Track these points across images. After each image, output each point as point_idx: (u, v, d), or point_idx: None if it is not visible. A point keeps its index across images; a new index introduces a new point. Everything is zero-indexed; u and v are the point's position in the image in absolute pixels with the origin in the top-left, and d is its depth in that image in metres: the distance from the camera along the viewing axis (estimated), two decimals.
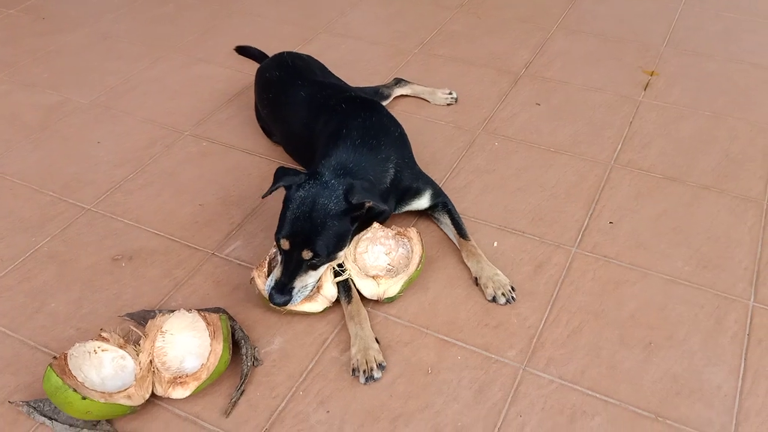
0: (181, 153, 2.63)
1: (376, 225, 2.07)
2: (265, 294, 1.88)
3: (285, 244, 1.83)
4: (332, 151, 1.96)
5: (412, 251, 2.03)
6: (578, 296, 2.02)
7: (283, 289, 1.84)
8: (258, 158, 2.60)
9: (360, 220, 1.92)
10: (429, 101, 2.89)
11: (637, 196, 2.39)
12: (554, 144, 2.65)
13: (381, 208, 1.90)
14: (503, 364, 1.84)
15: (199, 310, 1.83)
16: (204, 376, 1.71)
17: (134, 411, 1.70)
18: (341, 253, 1.93)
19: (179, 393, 1.71)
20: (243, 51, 3.19)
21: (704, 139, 2.66)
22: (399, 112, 2.81)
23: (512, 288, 2.01)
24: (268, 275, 1.95)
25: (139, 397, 1.68)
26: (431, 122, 2.78)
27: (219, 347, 1.73)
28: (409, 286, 2.01)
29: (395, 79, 2.93)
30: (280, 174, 1.90)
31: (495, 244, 2.20)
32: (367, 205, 1.85)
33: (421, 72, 3.09)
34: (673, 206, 2.35)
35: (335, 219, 1.83)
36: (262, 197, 1.91)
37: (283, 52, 2.67)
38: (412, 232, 2.06)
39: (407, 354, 1.87)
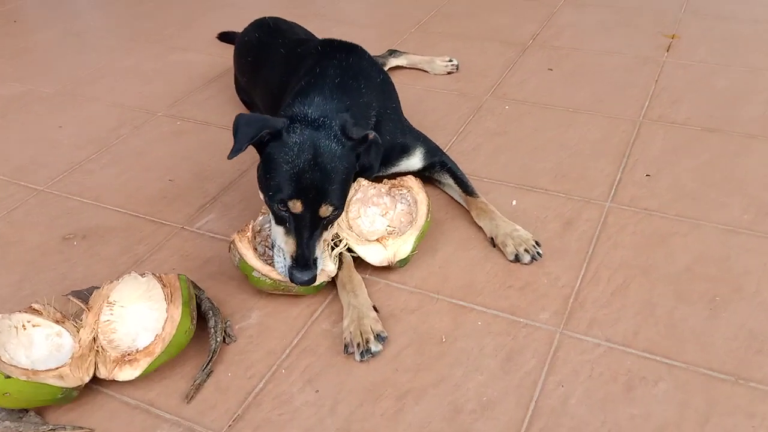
0: (152, 132, 2.33)
1: (364, 182, 1.74)
2: (257, 271, 1.54)
3: (296, 206, 1.45)
4: (309, 89, 1.62)
5: (416, 201, 1.69)
6: (619, 251, 1.67)
7: (307, 262, 1.47)
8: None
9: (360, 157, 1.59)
10: (428, 71, 2.60)
11: (674, 149, 2.06)
12: (572, 104, 2.34)
13: (379, 144, 1.56)
14: (535, 328, 1.48)
15: (154, 273, 1.48)
16: (158, 349, 1.35)
17: (69, 398, 1.34)
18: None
19: (127, 373, 1.35)
20: (225, 37, 2.94)
21: (742, 92, 2.35)
22: (395, 84, 2.51)
23: (537, 243, 1.67)
24: (254, 240, 1.61)
25: (75, 378, 1.32)
26: (432, 91, 2.48)
27: (177, 312, 1.38)
28: (421, 242, 1.67)
29: (389, 50, 2.65)
30: (246, 121, 1.51)
31: (514, 202, 1.87)
32: (370, 137, 1.52)
33: (418, 49, 2.80)
34: (718, 156, 2.01)
35: (344, 160, 1.49)
36: (230, 156, 1.48)
37: (265, 17, 2.40)
38: (410, 180, 1.73)
39: (415, 322, 1.51)
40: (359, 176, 1.72)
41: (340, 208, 1.51)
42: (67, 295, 1.59)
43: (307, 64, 1.79)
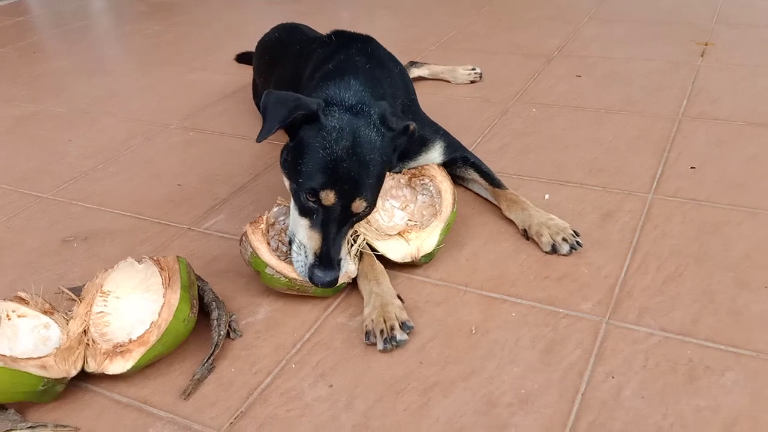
0: (164, 143, 2.24)
1: None
2: (271, 267, 1.38)
3: (328, 198, 1.30)
4: (341, 73, 1.50)
5: (440, 191, 1.55)
6: (667, 241, 1.51)
7: (332, 262, 1.32)
8: (252, 141, 2.19)
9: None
10: (450, 81, 2.50)
11: (719, 143, 1.91)
12: (604, 106, 2.21)
13: (416, 137, 1.44)
14: (576, 319, 1.31)
15: (151, 257, 1.35)
16: (153, 338, 1.21)
17: (52, 393, 1.19)
18: None
19: (118, 366, 1.20)
20: (243, 58, 2.88)
21: None
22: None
23: (575, 233, 1.51)
24: (267, 234, 1.48)
25: (60, 371, 1.17)
26: (455, 99, 2.37)
27: (175, 297, 1.24)
28: (448, 234, 1.52)
29: (410, 61, 2.56)
30: (277, 99, 1.36)
31: (546, 196, 1.72)
32: (411, 128, 1.39)
33: (439, 63, 2.72)
34: (767, 148, 1.86)
35: (383, 153, 1.36)
36: (259, 139, 1.31)
37: (287, 22, 2.34)
38: (433, 168, 1.59)
39: (441, 315, 1.35)
40: None
41: (372, 204, 1.38)
42: (59, 292, 1.47)
43: (323, 53, 1.69)
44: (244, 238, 1.43)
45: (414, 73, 2.50)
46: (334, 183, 1.30)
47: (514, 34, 3.00)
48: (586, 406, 1.11)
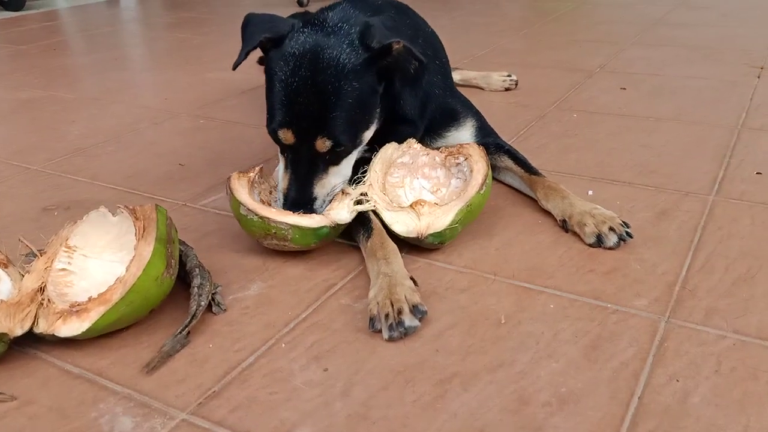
0: (171, 128, 2.08)
1: (416, 145, 1.42)
2: (244, 206, 1.23)
3: (287, 137, 1.19)
4: (336, 5, 1.34)
5: (472, 171, 1.34)
6: (735, 242, 1.28)
7: (298, 203, 1.22)
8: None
9: (389, 77, 1.28)
10: (483, 88, 2.33)
11: None
12: (654, 115, 2.01)
13: (418, 57, 1.23)
14: (628, 315, 1.08)
15: (127, 206, 1.15)
16: (116, 296, 1.00)
17: None
18: (368, 134, 1.28)
19: (72, 327, 0.99)
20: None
21: None
22: None
23: (624, 223, 1.29)
24: (261, 184, 1.34)
25: (1, 326, 0.97)
26: (488, 102, 2.19)
27: (147, 249, 1.03)
28: (469, 221, 1.30)
29: None
30: (256, 21, 1.28)
31: (590, 192, 1.51)
32: (395, 47, 1.19)
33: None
34: None
35: (354, 78, 1.18)
36: (234, 66, 1.30)
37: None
38: (471, 147, 1.39)
39: (464, 302, 1.13)
40: (399, 139, 1.42)
41: (346, 143, 1.21)
42: (25, 253, 1.28)
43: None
44: (228, 187, 1.28)
45: None
46: (290, 121, 1.18)
47: (553, 52, 2.84)
48: (644, 411, 0.88)
